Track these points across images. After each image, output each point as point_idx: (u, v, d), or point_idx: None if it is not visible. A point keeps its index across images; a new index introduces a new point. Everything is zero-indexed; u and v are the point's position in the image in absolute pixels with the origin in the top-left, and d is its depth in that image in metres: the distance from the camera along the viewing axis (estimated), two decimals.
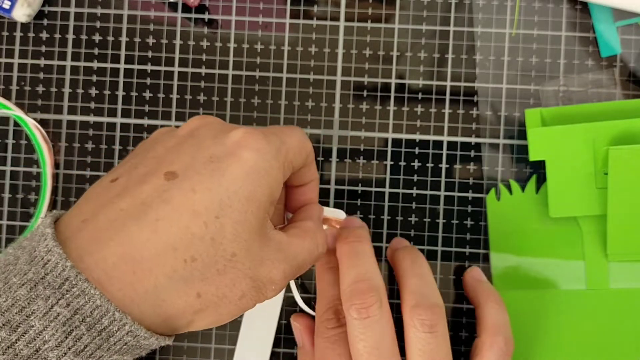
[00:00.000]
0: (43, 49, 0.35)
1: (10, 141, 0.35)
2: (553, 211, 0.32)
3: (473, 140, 0.34)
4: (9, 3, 0.33)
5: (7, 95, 0.35)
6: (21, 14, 0.34)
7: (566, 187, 0.32)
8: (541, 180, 0.33)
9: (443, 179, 0.34)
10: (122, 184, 0.25)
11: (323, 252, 0.29)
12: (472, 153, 0.34)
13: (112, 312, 0.22)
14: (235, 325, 0.34)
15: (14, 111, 0.35)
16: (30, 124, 0.34)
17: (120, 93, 0.35)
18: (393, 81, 0.34)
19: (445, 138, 0.34)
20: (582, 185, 0.31)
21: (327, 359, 0.30)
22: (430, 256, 0.34)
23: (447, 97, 0.34)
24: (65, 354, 0.21)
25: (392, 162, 0.34)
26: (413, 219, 0.34)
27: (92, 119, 0.35)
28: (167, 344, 0.25)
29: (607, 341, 0.32)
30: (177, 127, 0.29)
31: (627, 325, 0.32)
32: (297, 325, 0.33)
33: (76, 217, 0.24)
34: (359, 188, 0.34)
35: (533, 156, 0.32)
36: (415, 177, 0.34)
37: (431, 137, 0.34)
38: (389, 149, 0.34)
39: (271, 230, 0.27)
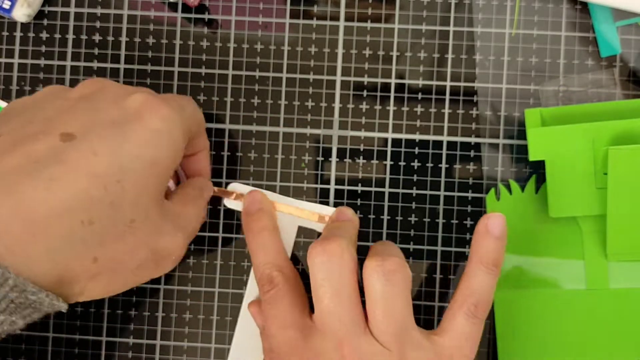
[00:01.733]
0: (43, 49, 0.35)
1: None
2: (553, 211, 0.32)
3: (473, 140, 0.34)
4: (9, 3, 0.34)
5: (7, 95, 0.35)
6: (21, 14, 0.34)
7: (566, 187, 0.32)
8: (541, 180, 0.33)
9: (443, 179, 0.34)
10: (9, 141, 0.23)
11: (204, 216, 0.30)
12: (472, 153, 0.34)
13: None
14: (234, 325, 0.34)
15: None
16: None
17: None
18: (393, 81, 0.34)
19: (445, 138, 0.34)
20: (582, 185, 0.31)
21: (269, 319, 0.29)
22: (430, 256, 0.34)
23: (447, 97, 0.34)
24: None
25: (392, 162, 0.34)
26: (413, 219, 0.34)
27: None
28: (61, 310, 0.23)
29: (607, 341, 0.32)
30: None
31: (627, 325, 0.32)
32: (253, 310, 0.32)
33: None
34: (359, 188, 0.34)
35: (533, 156, 0.32)
36: (415, 177, 0.34)
37: (431, 137, 0.34)
38: (389, 149, 0.34)
39: (166, 201, 0.27)
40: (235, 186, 0.34)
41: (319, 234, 0.34)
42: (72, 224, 0.22)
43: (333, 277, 0.28)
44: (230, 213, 0.34)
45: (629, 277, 0.32)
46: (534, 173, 0.34)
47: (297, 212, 0.33)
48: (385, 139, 0.34)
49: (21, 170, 0.22)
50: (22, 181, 0.22)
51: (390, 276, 0.27)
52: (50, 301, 0.22)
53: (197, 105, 0.29)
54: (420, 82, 0.34)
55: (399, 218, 0.34)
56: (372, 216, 0.34)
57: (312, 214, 0.33)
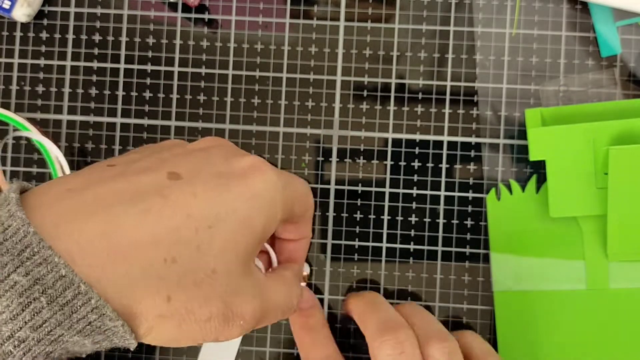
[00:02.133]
0: (43, 49, 0.35)
1: (10, 141, 0.35)
2: (553, 211, 0.32)
3: (473, 140, 0.34)
4: (9, 3, 0.33)
5: (7, 95, 0.35)
6: (21, 13, 0.34)
7: (566, 187, 0.32)
8: (541, 180, 0.33)
9: (443, 179, 0.34)
10: (119, 170, 0.24)
11: (295, 307, 0.29)
12: (472, 153, 0.34)
13: (77, 284, 0.20)
14: None
15: (33, 134, 0.33)
16: (43, 142, 0.34)
17: (120, 93, 0.35)
18: (393, 81, 0.34)
19: (445, 138, 0.34)
20: (582, 185, 0.31)
21: None
22: (430, 256, 0.34)
23: (447, 97, 0.34)
24: (20, 328, 0.20)
25: (392, 162, 0.34)
26: (413, 219, 0.34)
27: (92, 119, 0.35)
28: (130, 347, 0.23)
29: (607, 341, 0.32)
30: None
31: (627, 325, 0.32)
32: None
33: (60, 185, 0.23)
34: (359, 188, 0.34)
35: (533, 156, 0.32)
36: (416, 177, 0.34)
37: (431, 137, 0.34)
38: (389, 149, 0.34)
39: (254, 265, 0.26)
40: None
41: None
42: (155, 257, 0.22)
43: None
44: None
45: (629, 277, 0.32)
46: (534, 173, 0.34)
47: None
48: (386, 139, 0.34)
49: (121, 195, 0.22)
50: (118, 205, 0.22)
51: (402, 348, 0.28)
52: (123, 332, 0.22)
53: (310, 190, 0.29)
54: (421, 82, 0.34)
55: (400, 218, 0.34)
56: (372, 216, 0.34)
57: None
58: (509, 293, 0.33)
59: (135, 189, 0.23)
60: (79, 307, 0.20)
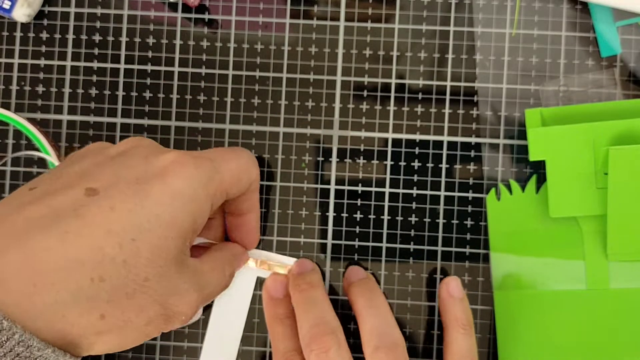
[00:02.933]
0: (43, 49, 0.35)
1: (10, 141, 0.35)
2: (553, 211, 0.32)
3: (473, 140, 0.34)
4: (9, 3, 0.33)
5: (7, 95, 0.35)
6: (21, 14, 0.34)
7: (566, 187, 0.32)
8: (541, 180, 0.33)
9: (443, 179, 0.34)
10: (39, 193, 0.24)
11: (228, 284, 0.29)
12: (472, 153, 0.34)
13: (0, 321, 0.20)
14: None
15: (36, 134, 0.34)
16: (43, 141, 0.34)
17: (121, 93, 0.35)
18: (393, 81, 0.34)
19: (445, 138, 0.34)
20: (582, 185, 0.31)
21: None
22: (430, 256, 0.34)
23: (447, 97, 0.34)
24: None
25: (392, 162, 0.34)
26: (413, 219, 0.34)
27: (92, 119, 0.35)
28: None
29: (607, 341, 0.32)
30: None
31: (627, 325, 0.32)
32: None
33: None
34: (359, 188, 0.34)
35: (533, 156, 0.32)
36: (416, 177, 0.34)
37: (431, 137, 0.34)
38: (389, 149, 0.34)
39: (188, 257, 0.26)
40: (269, 255, 0.34)
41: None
42: (82, 279, 0.22)
43: None
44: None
45: (629, 277, 0.32)
46: (534, 173, 0.34)
47: (260, 264, 0.34)
48: (386, 139, 0.34)
49: (40, 221, 0.22)
50: (37, 231, 0.22)
51: None
52: (56, 357, 0.22)
53: (251, 162, 0.29)
54: (421, 82, 0.34)
55: (400, 218, 0.34)
56: (372, 216, 0.34)
57: (271, 265, 0.33)
58: (509, 293, 0.33)
59: (53, 212, 0.23)
60: (4, 342, 0.20)
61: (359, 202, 0.34)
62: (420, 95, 0.34)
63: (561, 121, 0.32)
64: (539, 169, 0.34)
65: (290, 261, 0.33)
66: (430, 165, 0.34)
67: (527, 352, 0.33)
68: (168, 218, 0.24)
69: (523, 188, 0.33)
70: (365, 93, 0.34)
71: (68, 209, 0.23)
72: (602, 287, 0.33)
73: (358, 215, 0.34)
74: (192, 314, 0.26)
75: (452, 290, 0.32)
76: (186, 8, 0.35)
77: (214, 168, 0.27)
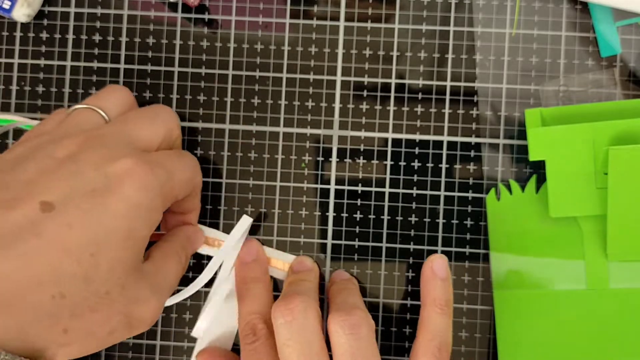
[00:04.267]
0: (43, 49, 0.35)
1: (10, 141, 0.35)
2: (553, 211, 0.32)
3: (473, 140, 0.34)
4: (9, 3, 0.33)
5: (7, 95, 0.35)
6: (21, 14, 0.34)
7: (566, 187, 0.32)
8: (541, 180, 0.33)
9: (443, 179, 0.34)
10: None
11: (185, 269, 0.29)
12: (472, 153, 0.34)
13: None
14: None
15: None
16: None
17: None
18: (393, 81, 0.34)
19: (445, 138, 0.34)
20: (582, 185, 0.31)
21: None
22: None
23: (447, 97, 0.34)
24: None
25: (392, 162, 0.34)
26: (413, 219, 0.34)
27: None
28: None
29: (607, 341, 0.32)
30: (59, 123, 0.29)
31: (628, 326, 0.32)
32: None
33: None
34: (359, 188, 0.34)
35: (533, 156, 0.32)
36: (415, 177, 0.34)
37: (431, 137, 0.34)
38: (389, 149, 0.34)
39: (143, 264, 0.26)
40: (217, 234, 0.33)
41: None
42: (42, 298, 0.22)
43: (298, 338, 0.27)
44: (229, 213, 0.34)
45: (629, 277, 0.32)
46: (534, 173, 0.34)
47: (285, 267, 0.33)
48: (386, 139, 0.34)
49: None
50: None
51: (356, 330, 0.27)
52: None
53: (197, 167, 0.29)
54: (421, 82, 0.34)
55: (399, 218, 0.34)
56: (372, 216, 0.34)
57: (276, 261, 0.33)
58: (509, 293, 0.33)
59: (10, 230, 0.22)
60: None
61: (359, 202, 0.34)
62: (420, 95, 0.34)
63: (561, 121, 0.32)
64: (539, 169, 0.34)
65: (290, 258, 0.33)
66: (430, 165, 0.34)
67: (527, 352, 0.33)
68: (126, 230, 0.24)
69: (523, 188, 0.33)
70: (365, 93, 0.34)
71: (26, 227, 0.23)
72: (602, 287, 0.33)
73: (358, 215, 0.34)
74: (155, 318, 0.26)
75: (437, 269, 0.31)
76: (186, 8, 0.35)
77: (168, 174, 0.27)
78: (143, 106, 0.31)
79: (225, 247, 0.31)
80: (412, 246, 0.34)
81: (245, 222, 0.32)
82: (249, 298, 0.31)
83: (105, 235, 0.24)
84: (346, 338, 0.27)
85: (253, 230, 0.34)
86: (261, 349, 0.29)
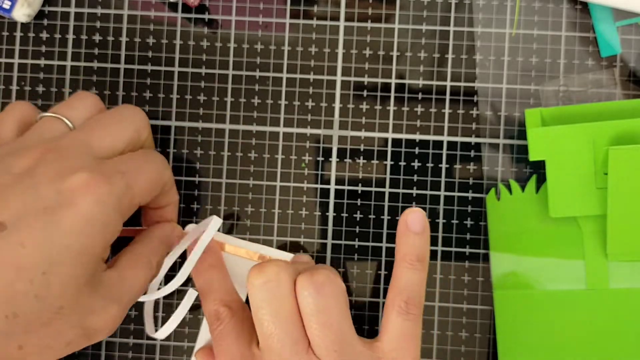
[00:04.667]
0: (43, 49, 0.35)
1: None
2: (553, 211, 0.32)
3: (473, 140, 0.34)
4: (9, 3, 0.33)
5: (7, 95, 0.35)
6: (21, 14, 0.34)
7: (566, 187, 0.32)
8: (541, 180, 0.33)
9: (443, 179, 0.34)
10: None
11: (157, 274, 0.29)
12: (472, 153, 0.34)
13: None
14: None
15: None
16: None
17: (121, 93, 0.35)
18: (393, 81, 0.34)
19: (445, 138, 0.34)
20: (582, 185, 0.31)
21: (218, 356, 0.29)
22: (430, 256, 0.34)
23: (447, 97, 0.34)
24: None
25: (392, 162, 0.34)
26: None
27: None
28: None
29: (607, 341, 0.32)
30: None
31: (627, 325, 0.32)
32: (200, 358, 0.32)
33: None
34: (359, 188, 0.34)
35: (533, 156, 0.32)
36: (415, 177, 0.34)
37: (431, 137, 0.34)
38: (389, 149, 0.34)
39: (102, 272, 0.26)
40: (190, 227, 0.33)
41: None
42: None
43: (271, 299, 0.27)
44: (229, 213, 0.34)
45: (629, 277, 0.32)
46: (534, 173, 0.34)
47: (240, 253, 0.33)
48: (386, 139, 0.34)
49: None
50: None
51: (321, 289, 0.27)
52: None
53: (163, 166, 0.29)
54: (421, 82, 0.34)
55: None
56: (372, 216, 0.34)
57: (254, 253, 0.33)
58: (508, 292, 0.33)
59: None
60: None
61: (359, 202, 0.34)
62: (420, 95, 0.34)
63: (561, 121, 0.32)
64: (539, 169, 0.34)
65: (289, 257, 0.33)
66: (430, 165, 0.34)
67: (527, 352, 0.33)
68: (79, 247, 0.24)
69: (523, 188, 0.33)
70: (365, 93, 0.34)
71: None
72: (602, 287, 0.33)
73: (358, 215, 0.34)
74: (114, 326, 0.26)
75: (411, 222, 0.30)
76: (186, 8, 0.35)
77: (126, 185, 0.26)
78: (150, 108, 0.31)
79: (198, 250, 0.31)
80: None
81: (217, 223, 0.31)
82: (206, 287, 0.31)
83: (57, 253, 0.23)
84: (312, 297, 0.27)
85: (254, 230, 0.34)
86: (226, 330, 0.29)
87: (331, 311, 0.27)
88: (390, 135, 0.34)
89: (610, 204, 0.31)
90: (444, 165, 0.34)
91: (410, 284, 0.29)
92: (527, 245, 0.33)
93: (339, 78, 0.35)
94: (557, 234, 0.33)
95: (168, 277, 0.33)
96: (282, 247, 0.34)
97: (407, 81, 0.34)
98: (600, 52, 0.34)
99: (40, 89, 0.35)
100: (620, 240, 0.31)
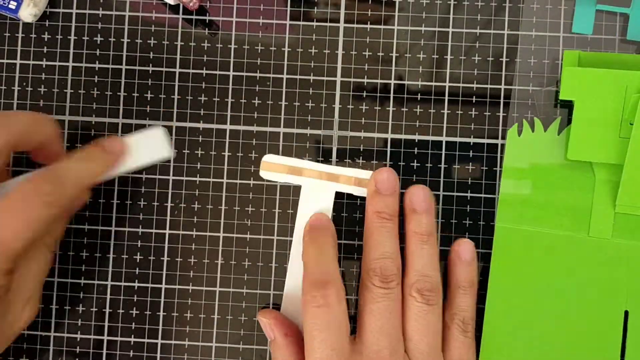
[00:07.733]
0: (45, 50, 0.35)
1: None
2: (571, 153, 0.32)
3: (472, 140, 0.34)
4: (15, 3, 0.34)
5: (9, 96, 0.35)
6: (27, 14, 0.34)
7: (589, 131, 0.32)
8: (565, 124, 0.33)
9: (442, 179, 0.34)
10: None
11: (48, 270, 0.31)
12: (471, 153, 0.34)
13: None
14: (235, 324, 0.34)
15: None
16: None
17: (122, 94, 0.35)
18: (392, 82, 0.35)
19: (444, 138, 0.34)
20: (606, 132, 0.31)
21: (315, 333, 0.30)
22: None
23: (446, 97, 0.34)
24: None
25: (391, 163, 0.34)
26: None
27: (94, 119, 0.35)
28: None
29: (600, 292, 0.32)
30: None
31: (623, 279, 0.32)
32: (266, 321, 0.33)
33: None
34: (359, 188, 0.34)
35: (564, 95, 0.32)
36: (415, 178, 0.34)
37: (430, 138, 0.34)
38: (388, 149, 0.34)
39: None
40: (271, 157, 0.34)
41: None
42: None
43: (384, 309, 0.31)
44: (230, 213, 0.35)
45: (633, 232, 0.32)
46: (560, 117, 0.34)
47: (334, 178, 0.34)
48: (385, 140, 0.35)
49: None
50: None
51: (431, 302, 0.31)
52: None
53: (36, 122, 0.29)
54: (420, 83, 0.35)
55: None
56: None
57: (349, 178, 0.34)
58: (510, 229, 0.33)
59: None
60: None
61: (358, 202, 0.34)
62: (419, 96, 0.35)
63: (597, 66, 0.32)
64: (567, 115, 0.34)
65: (367, 175, 0.34)
66: (429, 165, 0.34)
67: (517, 290, 0.33)
68: None
69: (546, 128, 0.33)
70: (364, 94, 0.35)
71: None
72: (604, 237, 0.32)
73: (358, 215, 0.34)
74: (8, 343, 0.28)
75: (462, 253, 0.33)
76: (187, 10, 0.35)
77: None
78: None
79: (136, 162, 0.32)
80: None
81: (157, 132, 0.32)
82: (318, 255, 0.32)
83: None
84: (422, 306, 0.31)
85: (254, 230, 0.34)
86: (330, 313, 0.30)
87: (436, 321, 0.32)
88: (389, 135, 0.35)
89: (630, 154, 0.31)
90: (442, 166, 0.34)
91: (464, 307, 0.32)
92: (537, 183, 0.33)
93: (338, 79, 0.35)
94: (570, 178, 0.33)
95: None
96: (282, 247, 0.34)
97: (406, 82, 0.35)
98: (573, 27, 0.34)
99: (42, 89, 0.35)
100: (632, 192, 0.31)
